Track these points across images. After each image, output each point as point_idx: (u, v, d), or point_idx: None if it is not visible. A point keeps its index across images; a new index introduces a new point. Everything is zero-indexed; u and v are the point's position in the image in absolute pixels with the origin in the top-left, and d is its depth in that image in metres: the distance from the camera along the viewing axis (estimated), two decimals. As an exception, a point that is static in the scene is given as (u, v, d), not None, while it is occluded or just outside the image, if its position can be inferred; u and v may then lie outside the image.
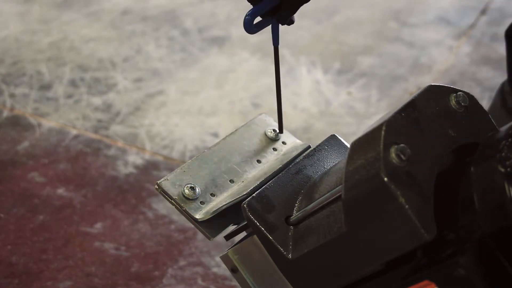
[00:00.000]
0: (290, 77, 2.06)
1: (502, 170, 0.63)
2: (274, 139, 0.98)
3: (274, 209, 0.81)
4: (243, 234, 0.88)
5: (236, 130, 0.97)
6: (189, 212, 0.86)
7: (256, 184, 0.87)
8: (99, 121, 1.85)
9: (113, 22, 2.37)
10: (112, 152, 1.72)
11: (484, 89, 2.03)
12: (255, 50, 2.20)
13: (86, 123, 1.83)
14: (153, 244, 1.43)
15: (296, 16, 0.92)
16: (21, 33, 2.28)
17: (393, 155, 0.66)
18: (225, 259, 0.86)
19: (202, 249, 1.41)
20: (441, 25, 2.43)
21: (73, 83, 2.02)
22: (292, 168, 0.88)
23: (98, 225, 1.47)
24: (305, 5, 0.96)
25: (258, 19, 0.89)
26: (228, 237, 0.89)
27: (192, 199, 0.87)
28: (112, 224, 1.47)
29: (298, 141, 0.99)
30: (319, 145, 0.92)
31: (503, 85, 1.47)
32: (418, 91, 0.74)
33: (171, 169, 1.63)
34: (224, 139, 0.95)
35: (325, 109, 1.93)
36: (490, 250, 0.63)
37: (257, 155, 0.95)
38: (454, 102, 0.75)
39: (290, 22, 0.91)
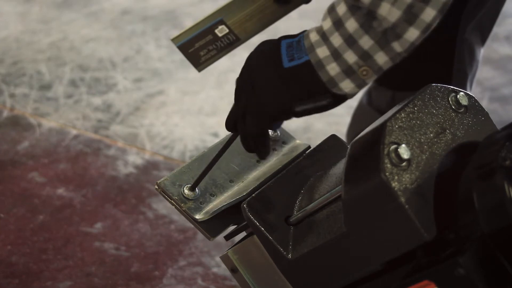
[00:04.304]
0: (290, 77, 2.06)
1: (502, 170, 0.63)
2: (274, 139, 0.98)
3: (274, 209, 0.81)
4: (243, 234, 0.88)
5: (236, 130, 0.97)
6: (189, 212, 0.86)
7: (256, 185, 0.87)
8: (99, 121, 1.85)
9: (113, 22, 2.37)
10: (112, 152, 1.72)
11: (484, 89, 2.03)
12: (255, 50, 2.20)
13: (86, 123, 1.83)
14: (153, 244, 1.43)
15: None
16: (21, 33, 2.28)
17: (393, 155, 0.66)
18: (225, 259, 0.86)
19: (202, 249, 1.41)
20: (441, 25, 2.42)
21: (73, 83, 2.02)
22: (292, 168, 0.88)
23: (98, 225, 1.47)
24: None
25: None
26: (228, 237, 0.89)
27: (192, 199, 0.87)
28: (112, 224, 1.47)
29: (298, 141, 0.99)
30: (319, 145, 0.92)
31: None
32: (418, 91, 0.74)
33: (171, 169, 1.63)
34: (224, 139, 0.95)
35: (325, 109, 1.93)
36: (490, 250, 0.63)
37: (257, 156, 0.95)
38: (454, 102, 0.75)
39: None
